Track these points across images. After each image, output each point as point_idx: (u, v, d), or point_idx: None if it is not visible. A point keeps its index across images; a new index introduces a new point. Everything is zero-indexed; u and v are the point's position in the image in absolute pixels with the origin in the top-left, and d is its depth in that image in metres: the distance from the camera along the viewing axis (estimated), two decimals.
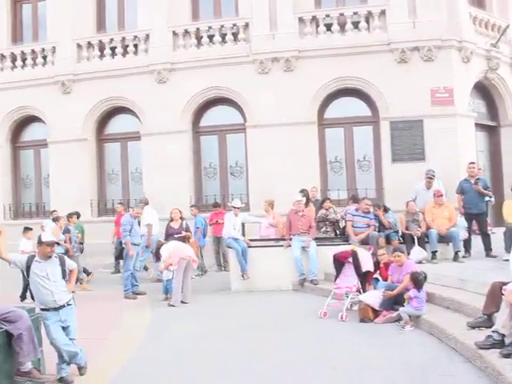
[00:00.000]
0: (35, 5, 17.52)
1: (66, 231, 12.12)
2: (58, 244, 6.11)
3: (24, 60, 16.77)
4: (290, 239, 10.82)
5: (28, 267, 5.73)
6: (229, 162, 15.41)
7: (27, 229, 11.23)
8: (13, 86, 16.35)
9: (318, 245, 10.64)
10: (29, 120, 17.04)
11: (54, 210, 13.89)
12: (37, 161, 17.10)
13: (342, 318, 7.85)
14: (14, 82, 16.41)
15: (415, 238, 10.27)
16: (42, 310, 5.67)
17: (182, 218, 11.88)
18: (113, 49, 15.88)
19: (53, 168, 16.23)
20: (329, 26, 14.49)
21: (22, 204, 17.08)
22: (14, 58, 16.86)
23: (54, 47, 16.37)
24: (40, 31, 17.27)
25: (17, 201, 17.09)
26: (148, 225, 12.60)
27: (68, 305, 5.75)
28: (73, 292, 5.96)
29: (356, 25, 14.34)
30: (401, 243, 10.10)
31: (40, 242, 5.76)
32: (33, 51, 16.70)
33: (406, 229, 10.56)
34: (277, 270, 10.64)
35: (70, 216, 12.78)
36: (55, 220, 12.38)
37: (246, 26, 14.96)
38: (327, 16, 14.53)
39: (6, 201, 16.57)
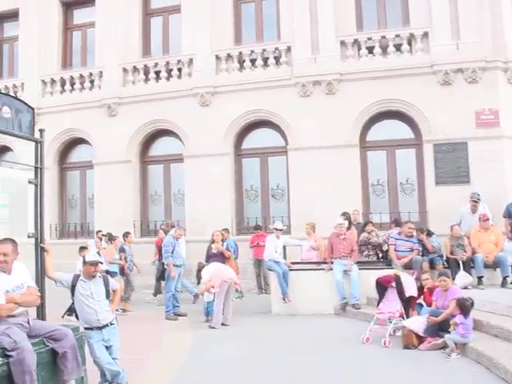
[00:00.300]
0: (84, 31, 18.13)
1: (122, 250, 12.33)
2: (101, 263, 6.17)
3: (72, 84, 17.31)
4: (332, 262, 10.73)
5: (73, 286, 5.84)
6: (270, 185, 15.42)
7: (83, 248, 11.51)
8: (61, 109, 16.87)
9: (360, 268, 10.52)
10: (76, 142, 17.51)
11: (99, 230, 14.15)
12: (82, 182, 17.52)
13: (385, 343, 7.69)
14: (63, 106, 16.94)
15: (460, 262, 10.05)
16: (86, 328, 5.75)
17: (223, 240, 11.94)
18: (157, 73, 16.24)
19: (97, 189, 16.58)
20: (371, 49, 14.48)
21: (68, 224, 17.47)
22: (63, 83, 17.43)
23: (101, 72, 16.85)
24: (88, 56, 17.84)
25: (63, 220, 17.48)
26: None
27: (111, 324, 5.83)
28: (116, 311, 6.04)
29: (398, 47, 14.28)
30: (445, 268, 9.88)
31: (84, 262, 5.89)
32: (81, 76, 17.23)
33: (451, 253, 10.34)
34: (318, 294, 10.55)
35: (125, 235, 13.01)
36: (110, 239, 12.59)
37: (288, 49, 15.08)
38: (369, 39, 14.53)
39: (53, 220, 16.95)
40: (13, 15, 18.68)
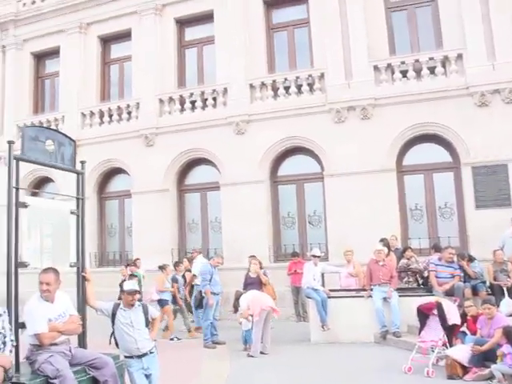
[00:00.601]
0: (121, 65, 18.65)
1: (174, 280, 12.43)
2: (139, 293, 6.21)
3: (111, 116, 17.74)
4: (371, 289, 10.57)
5: (113, 315, 5.90)
6: (307, 211, 15.34)
7: (132, 275, 11.71)
8: (100, 140, 17.30)
9: (400, 295, 10.34)
10: (114, 172, 17.87)
11: (137, 259, 14.33)
12: (121, 211, 17.81)
13: (428, 373, 7.50)
14: (102, 137, 17.37)
15: (504, 289, 9.76)
16: (126, 357, 5.79)
17: (261, 268, 11.90)
18: (193, 102, 16.51)
19: (135, 218, 16.82)
20: (404, 73, 14.42)
21: (107, 252, 17.73)
22: (101, 115, 17.88)
23: (138, 103, 17.23)
24: (125, 89, 18.31)
25: (102, 249, 17.74)
26: (193, 275, 12.74)
27: (151, 353, 5.85)
28: (154, 341, 6.06)
29: (432, 70, 14.17)
30: (489, 294, 9.61)
31: (122, 291, 5.95)
32: (119, 107, 17.65)
33: (494, 279, 10.06)
34: (358, 322, 10.39)
35: (176, 265, 13.11)
36: (162, 268, 12.69)
37: (322, 76, 15.15)
38: (402, 63, 14.47)
39: (92, 249, 17.21)
40: (54, 52, 19.42)
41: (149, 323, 6.03)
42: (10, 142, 5.13)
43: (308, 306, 11.75)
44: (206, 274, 11.04)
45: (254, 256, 13.12)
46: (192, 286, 12.91)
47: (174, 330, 12.16)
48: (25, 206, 5.22)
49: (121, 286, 12.77)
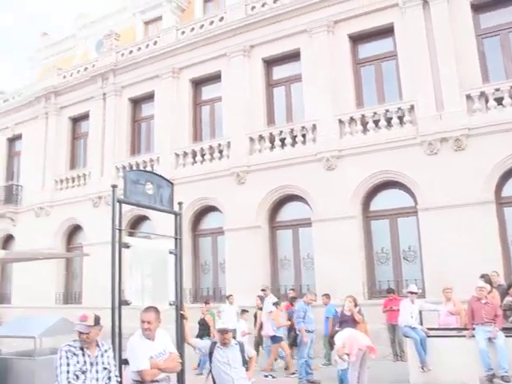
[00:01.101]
0: (212, 106, 19.34)
1: (292, 315, 12.48)
2: (230, 331, 6.24)
3: (203, 155, 18.32)
4: (473, 329, 10.03)
5: (210, 353, 5.98)
6: (401, 247, 14.89)
7: (244, 311, 11.88)
8: (193, 179, 17.88)
9: (506, 336, 9.71)
10: (207, 210, 18.33)
11: (230, 295, 14.51)
12: (214, 247, 18.17)
13: None
14: (194, 176, 17.96)
15: None
16: None
17: (356, 305, 11.63)
18: (282, 140, 16.73)
19: (228, 254, 17.08)
20: (499, 100, 13.86)
21: (201, 288, 18.08)
22: (194, 155, 18.52)
23: (229, 142, 17.72)
24: (216, 129, 18.92)
25: (196, 285, 18.11)
26: (270, 312, 12.64)
27: None
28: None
29: None
30: None
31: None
32: (210, 147, 18.22)
33: None
34: (460, 363, 9.83)
35: (292, 300, 13.21)
36: (276, 304, 12.81)
37: (411, 108, 14.88)
38: (497, 90, 13.90)
39: (187, 285, 17.59)
40: (149, 97, 20.59)
41: (246, 362, 6.05)
42: (114, 186, 5.44)
43: (405, 345, 11.31)
44: (299, 312, 10.98)
45: (350, 296, 12.92)
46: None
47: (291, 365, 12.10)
48: (127, 246, 5.48)
49: (200, 323, 13.02)
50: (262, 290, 14.01)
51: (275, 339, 12.12)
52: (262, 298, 13.68)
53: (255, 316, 13.59)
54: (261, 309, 13.43)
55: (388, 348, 13.20)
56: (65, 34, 28.96)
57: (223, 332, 5.94)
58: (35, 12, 67.13)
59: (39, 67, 29.09)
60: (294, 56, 17.40)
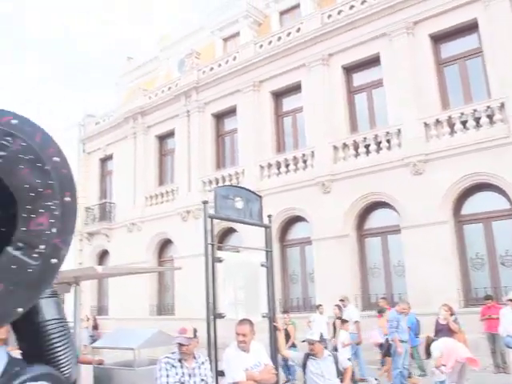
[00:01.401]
0: (294, 117, 19.42)
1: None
2: (314, 343, 6.17)
3: (287, 166, 18.41)
4: None
5: (304, 364, 5.97)
6: (498, 251, 14.16)
7: (344, 321, 11.86)
8: (278, 190, 17.96)
9: None
10: (293, 220, 18.36)
11: (320, 305, 14.42)
12: (302, 257, 18.15)
13: None
14: (279, 187, 18.04)
15: None
16: None
17: (451, 314, 11.23)
18: (366, 146, 16.50)
19: (316, 264, 17.00)
20: None
21: (290, 299, 18.09)
22: (278, 166, 18.66)
23: (312, 152, 17.69)
24: (299, 139, 18.95)
25: (285, 295, 18.11)
26: (356, 322, 12.25)
27: None
28: None
29: None
30: None
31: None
32: (294, 157, 18.28)
33: None
34: None
35: (381, 311, 13.06)
36: (380, 312, 12.68)
37: (502, 106, 14.21)
38: None
39: (276, 295, 17.58)
40: (231, 111, 20.99)
41: (340, 374, 5.99)
42: (205, 202, 5.60)
43: (508, 355, 10.75)
44: (392, 321, 10.73)
45: (446, 304, 12.52)
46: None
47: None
48: (220, 260, 5.61)
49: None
50: (341, 300, 13.84)
51: (383, 347, 11.92)
52: (340, 308, 13.54)
53: (334, 325, 13.43)
54: (339, 318, 13.28)
55: (488, 358, 12.56)
56: (148, 57, 30.13)
57: (310, 343, 5.92)
58: (120, 38, 70.55)
59: (125, 90, 30.43)
60: (373, 61, 17.18)
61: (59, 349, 1.62)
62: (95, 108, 45.22)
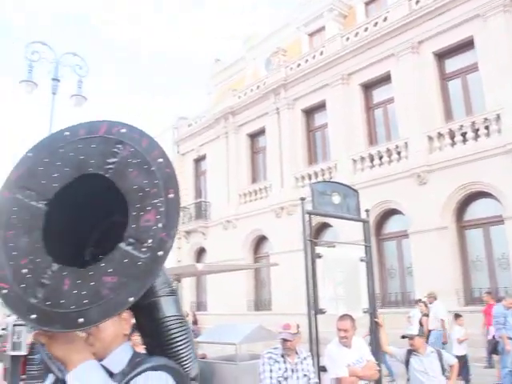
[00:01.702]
0: (385, 108, 19.02)
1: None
2: (413, 338, 6.02)
3: (380, 158, 18.08)
4: None
5: (407, 361, 5.86)
6: None
7: (458, 316, 11.58)
8: (372, 183, 17.65)
9: None
10: (389, 213, 18.00)
11: (419, 299, 14.01)
12: (399, 251, 17.75)
13: None
14: (373, 180, 17.76)
15: None
16: None
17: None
18: (463, 134, 15.85)
19: (415, 258, 16.55)
20: None
21: (389, 294, 17.75)
22: (371, 159, 18.36)
23: (406, 143, 17.25)
24: (392, 130, 18.52)
25: (383, 290, 17.74)
26: (442, 320, 11.70)
27: None
28: None
29: None
30: None
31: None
32: (387, 149, 17.91)
33: None
34: None
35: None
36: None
37: None
38: None
39: (375, 290, 17.36)
40: (321, 106, 20.93)
41: (445, 371, 5.83)
42: (302, 199, 5.64)
43: None
44: (499, 317, 10.25)
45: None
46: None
47: None
48: (319, 256, 5.64)
49: None
50: (428, 297, 13.35)
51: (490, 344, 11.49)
52: (426, 304, 13.09)
53: (420, 323, 12.95)
54: (426, 315, 12.83)
55: None
56: (235, 58, 30.63)
57: (409, 338, 5.81)
58: (206, 42, 72.23)
59: (215, 91, 31.14)
60: (467, 45, 16.44)
61: (179, 343, 1.73)
62: (188, 110, 46.66)
